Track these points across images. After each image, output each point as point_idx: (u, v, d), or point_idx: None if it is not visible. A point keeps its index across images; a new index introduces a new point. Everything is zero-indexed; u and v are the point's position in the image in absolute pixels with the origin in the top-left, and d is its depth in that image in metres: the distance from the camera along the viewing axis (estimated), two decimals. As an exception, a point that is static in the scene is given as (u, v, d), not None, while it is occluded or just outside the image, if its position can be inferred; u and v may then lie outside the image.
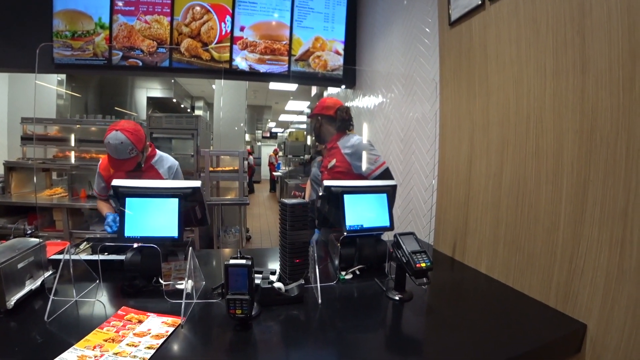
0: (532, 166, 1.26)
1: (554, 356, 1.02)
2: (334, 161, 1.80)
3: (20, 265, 1.13)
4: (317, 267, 1.19)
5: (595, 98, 1.03)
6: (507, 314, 1.14)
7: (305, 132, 7.43)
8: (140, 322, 1.01)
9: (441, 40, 1.84)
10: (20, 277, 1.13)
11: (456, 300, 1.27)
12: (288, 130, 8.36)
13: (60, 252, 1.56)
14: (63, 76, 4.38)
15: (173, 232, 1.24)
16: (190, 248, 1.13)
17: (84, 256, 1.41)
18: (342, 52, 3.13)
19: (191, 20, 2.89)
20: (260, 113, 11.39)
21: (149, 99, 6.05)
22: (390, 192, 1.48)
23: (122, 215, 1.25)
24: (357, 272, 1.38)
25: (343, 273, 1.35)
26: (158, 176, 1.89)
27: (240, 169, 3.82)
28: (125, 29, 2.85)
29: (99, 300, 1.15)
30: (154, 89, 6.09)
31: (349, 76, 3.23)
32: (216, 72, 3.07)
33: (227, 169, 3.95)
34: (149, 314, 1.06)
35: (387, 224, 1.43)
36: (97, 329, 0.95)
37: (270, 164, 12.77)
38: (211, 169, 3.86)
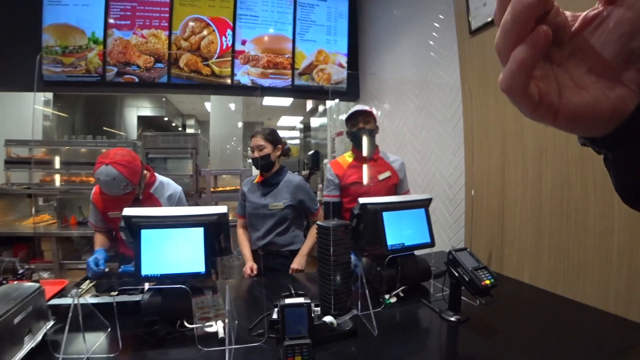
0: (577, 171, 1.22)
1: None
2: (388, 173, 1.72)
3: (17, 320, 0.86)
4: (366, 291, 1.08)
5: None
6: (566, 323, 1.07)
7: (298, 148, 7.25)
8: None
9: (461, 48, 1.82)
10: (18, 333, 0.86)
11: (510, 314, 1.18)
12: (280, 147, 8.12)
13: (59, 294, 1.30)
14: (49, 96, 4.17)
15: (199, 267, 1.09)
16: (227, 285, 1.01)
17: (92, 299, 1.14)
18: (345, 64, 3.10)
19: (190, 34, 2.80)
20: (252, 129, 11.29)
21: (140, 118, 5.84)
22: (427, 207, 1.41)
23: (136, 250, 1.08)
24: (401, 294, 1.29)
25: (387, 296, 1.25)
26: (158, 206, 1.63)
27: (242, 188, 3.66)
28: (121, 43, 2.72)
29: (118, 357, 0.93)
30: (145, 107, 5.89)
31: (352, 88, 3.20)
32: (217, 88, 2.98)
33: (228, 188, 3.80)
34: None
35: (428, 240, 1.35)
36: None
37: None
38: (212, 189, 3.70)
